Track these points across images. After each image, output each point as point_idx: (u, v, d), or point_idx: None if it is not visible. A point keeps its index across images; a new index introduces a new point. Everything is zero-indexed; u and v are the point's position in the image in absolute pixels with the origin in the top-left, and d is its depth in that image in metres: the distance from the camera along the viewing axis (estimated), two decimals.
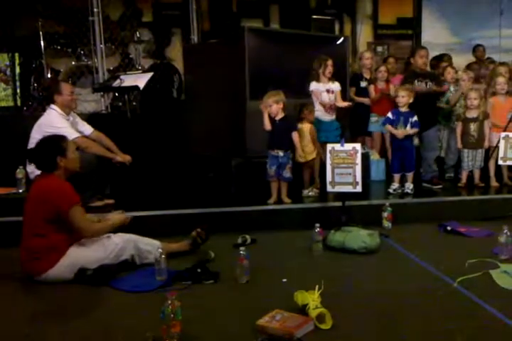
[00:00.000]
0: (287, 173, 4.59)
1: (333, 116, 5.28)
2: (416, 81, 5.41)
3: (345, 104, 5.26)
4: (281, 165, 4.57)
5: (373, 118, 5.91)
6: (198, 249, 3.65)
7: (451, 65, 6.27)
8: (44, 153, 3.25)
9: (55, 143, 3.29)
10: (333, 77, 5.22)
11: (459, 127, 5.37)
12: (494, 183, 5.33)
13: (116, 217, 3.51)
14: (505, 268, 3.27)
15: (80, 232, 3.23)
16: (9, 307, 2.89)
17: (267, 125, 4.56)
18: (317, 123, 5.06)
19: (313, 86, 5.17)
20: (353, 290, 3.00)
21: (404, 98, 4.96)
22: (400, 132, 4.95)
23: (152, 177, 5.19)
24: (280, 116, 4.59)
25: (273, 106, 4.53)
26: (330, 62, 5.14)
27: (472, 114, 5.31)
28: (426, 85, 5.45)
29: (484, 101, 5.43)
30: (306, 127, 4.89)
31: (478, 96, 5.29)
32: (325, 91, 5.18)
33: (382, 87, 5.88)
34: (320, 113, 5.12)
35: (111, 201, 4.54)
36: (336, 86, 5.22)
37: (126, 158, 4.58)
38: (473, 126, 5.29)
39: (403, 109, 5.00)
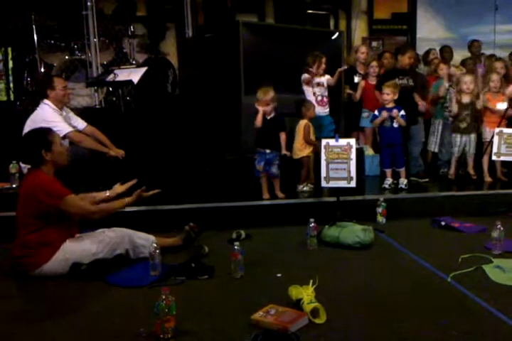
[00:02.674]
0: (274, 169, 4.62)
1: (327, 110, 5.31)
2: (397, 79, 5.43)
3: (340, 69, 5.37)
4: (268, 162, 4.59)
5: (365, 114, 5.95)
6: (192, 244, 3.65)
7: (444, 60, 6.28)
8: (28, 147, 3.19)
9: (39, 136, 3.22)
10: (325, 73, 5.29)
11: (453, 104, 5.35)
12: (488, 179, 5.35)
13: (120, 189, 3.53)
14: (498, 263, 3.29)
15: (87, 217, 3.23)
16: (3, 303, 2.87)
17: (259, 122, 4.54)
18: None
19: (305, 76, 5.21)
20: (347, 285, 3.01)
21: (389, 95, 5.01)
22: (384, 114, 4.98)
23: (146, 172, 5.16)
24: (272, 115, 4.59)
25: (269, 106, 4.52)
26: (324, 60, 5.18)
27: (465, 99, 5.33)
28: (407, 82, 5.48)
29: (477, 94, 5.45)
30: (301, 123, 4.90)
31: (473, 80, 5.31)
32: (315, 84, 5.22)
33: (374, 82, 5.91)
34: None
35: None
36: (325, 78, 5.31)
37: (120, 152, 4.57)
38: (465, 112, 5.32)
39: (389, 106, 5.04)
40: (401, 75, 5.49)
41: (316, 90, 5.25)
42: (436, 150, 5.87)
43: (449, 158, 5.66)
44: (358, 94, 5.98)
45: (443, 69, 5.82)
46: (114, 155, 4.52)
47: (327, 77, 5.32)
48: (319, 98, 5.26)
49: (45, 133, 3.24)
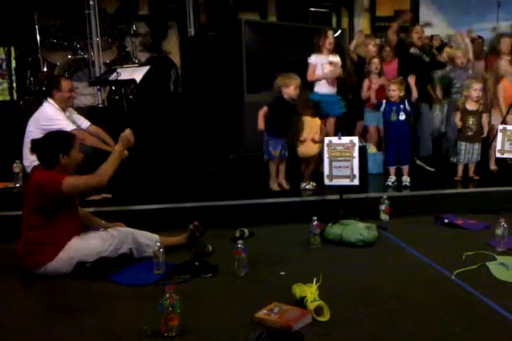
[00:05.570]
0: (287, 152, 4.75)
1: (334, 90, 5.34)
2: (413, 48, 5.55)
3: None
4: (284, 145, 4.70)
5: (367, 114, 5.93)
6: (196, 243, 3.66)
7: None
8: (48, 147, 3.21)
9: (62, 139, 3.25)
10: (335, 52, 5.30)
11: (457, 117, 5.30)
12: (493, 167, 5.40)
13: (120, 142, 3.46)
14: (502, 261, 3.29)
15: (94, 186, 3.40)
16: (9, 301, 2.89)
17: (262, 124, 4.63)
18: (319, 97, 5.15)
19: (313, 58, 5.23)
20: (350, 283, 3.01)
21: (395, 92, 4.98)
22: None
23: (150, 171, 5.18)
24: None
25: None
26: (330, 33, 5.17)
27: (472, 106, 5.25)
28: (420, 53, 5.60)
29: (484, 94, 5.43)
30: (317, 122, 4.89)
31: (481, 88, 5.26)
32: (327, 63, 5.24)
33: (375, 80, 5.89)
34: (321, 86, 5.19)
35: (108, 195, 4.54)
36: (337, 59, 5.30)
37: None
38: (471, 119, 5.25)
39: (394, 100, 5.04)
40: (414, 46, 5.58)
41: (328, 70, 5.21)
42: (443, 129, 5.91)
43: (454, 141, 5.54)
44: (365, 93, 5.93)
45: (447, 52, 5.87)
46: None
47: (338, 58, 5.30)
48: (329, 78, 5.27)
49: (67, 137, 3.28)
